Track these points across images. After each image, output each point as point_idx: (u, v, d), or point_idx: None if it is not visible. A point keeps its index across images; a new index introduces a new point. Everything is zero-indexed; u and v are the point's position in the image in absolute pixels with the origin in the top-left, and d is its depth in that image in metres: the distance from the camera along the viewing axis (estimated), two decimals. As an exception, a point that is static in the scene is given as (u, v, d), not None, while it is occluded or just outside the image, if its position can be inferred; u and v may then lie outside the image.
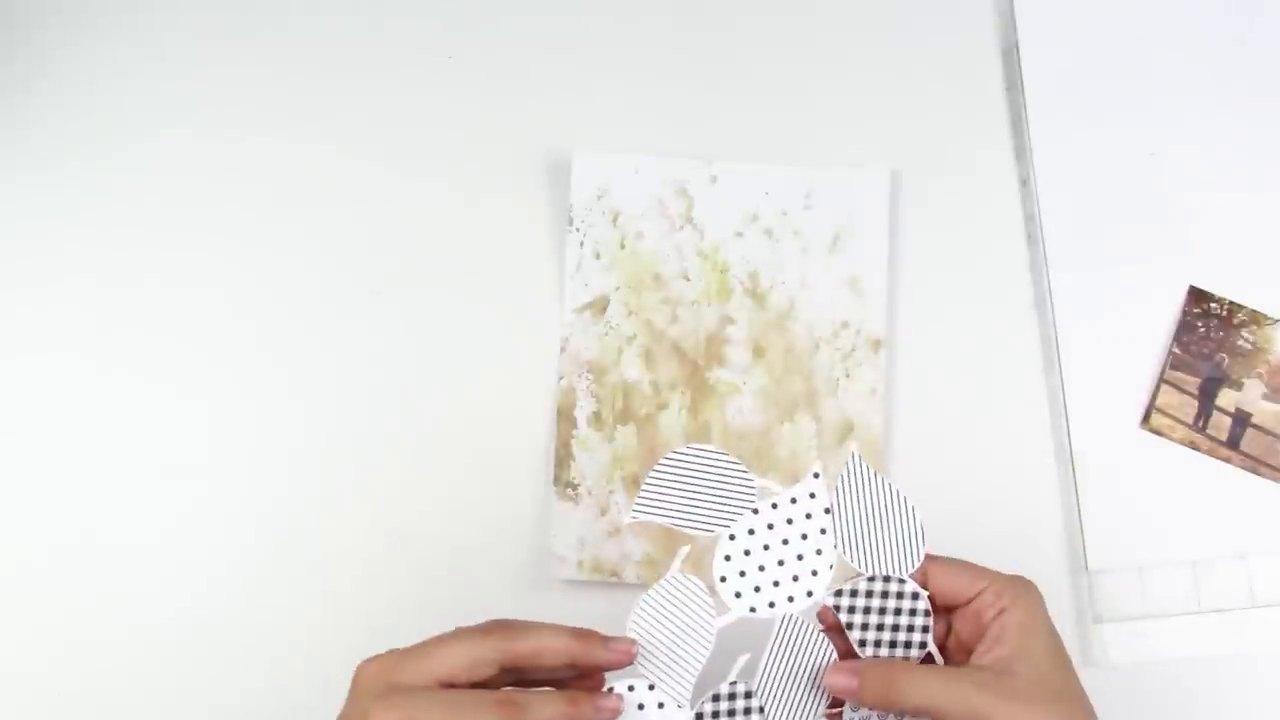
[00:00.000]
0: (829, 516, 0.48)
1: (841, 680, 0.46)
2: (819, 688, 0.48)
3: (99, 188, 0.64)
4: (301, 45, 0.65)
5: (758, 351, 0.61)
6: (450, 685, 0.43)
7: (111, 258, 0.63)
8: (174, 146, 0.64)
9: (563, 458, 0.60)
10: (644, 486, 0.48)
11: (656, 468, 0.48)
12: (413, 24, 0.65)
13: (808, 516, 0.49)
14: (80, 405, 0.62)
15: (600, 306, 0.61)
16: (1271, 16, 0.63)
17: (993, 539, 0.57)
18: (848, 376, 0.60)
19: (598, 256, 0.62)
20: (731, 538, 0.48)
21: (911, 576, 0.48)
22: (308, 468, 0.61)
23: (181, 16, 0.66)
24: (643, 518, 0.48)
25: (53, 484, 0.61)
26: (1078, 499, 0.59)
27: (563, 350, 0.61)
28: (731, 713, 0.47)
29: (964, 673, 0.45)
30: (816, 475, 0.49)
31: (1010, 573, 0.47)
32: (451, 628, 0.46)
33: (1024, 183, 0.63)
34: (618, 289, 0.62)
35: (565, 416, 0.60)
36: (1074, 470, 0.59)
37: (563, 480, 0.60)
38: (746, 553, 0.48)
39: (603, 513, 0.60)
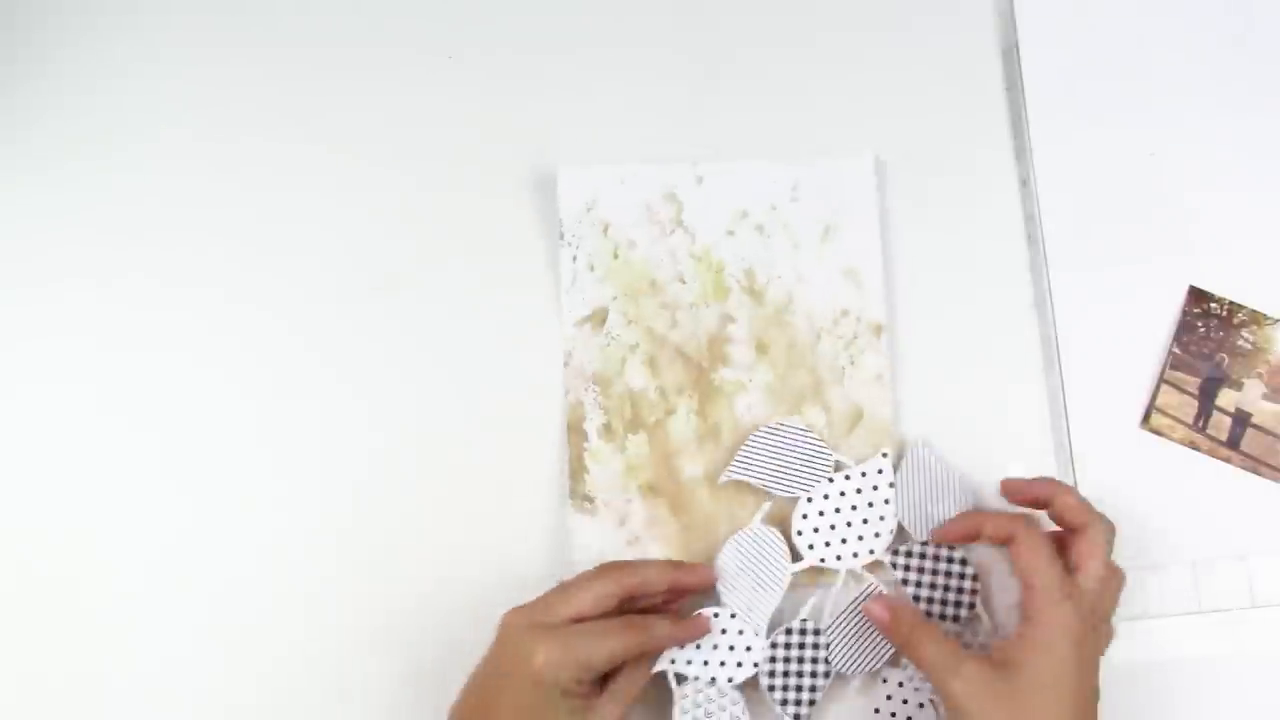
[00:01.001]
0: (893, 490, 0.58)
1: (877, 611, 0.54)
2: (879, 637, 0.57)
3: (99, 188, 0.64)
4: (298, 50, 0.65)
5: (760, 348, 0.61)
6: (581, 620, 0.52)
7: (112, 258, 0.63)
8: (173, 147, 0.64)
9: (577, 471, 0.60)
10: (739, 453, 0.59)
11: (750, 439, 0.59)
12: (410, 28, 0.65)
13: (875, 488, 0.58)
14: (79, 405, 0.62)
15: (599, 318, 0.61)
16: (1271, 16, 0.63)
17: (992, 539, 0.57)
18: (852, 364, 0.60)
19: (592, 268, 0.62)
20: (809, 500, 0.58)
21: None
22: (320, 496, 0.61)
23: (180, 17, 0.66)
24: (736, 477, 0.59)
25: (51, 484, 0.61)
26: (1078, 499, 0.59)
27: (566, 364, 0.61)
28: (802, 645, 0.57)
29: (965, 659, 0.50)
30: (885, 455, 0.59)
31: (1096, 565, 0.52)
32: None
33: (1024, 183, 0.63)
34: (615, 299, 0.61)
35: (575, 430, 0.60)
36: (1074, 470, 0.59)
37: (579, 494, 0.60)
38: (821, 513, 0.58)
39: (621, 523, 0.60)
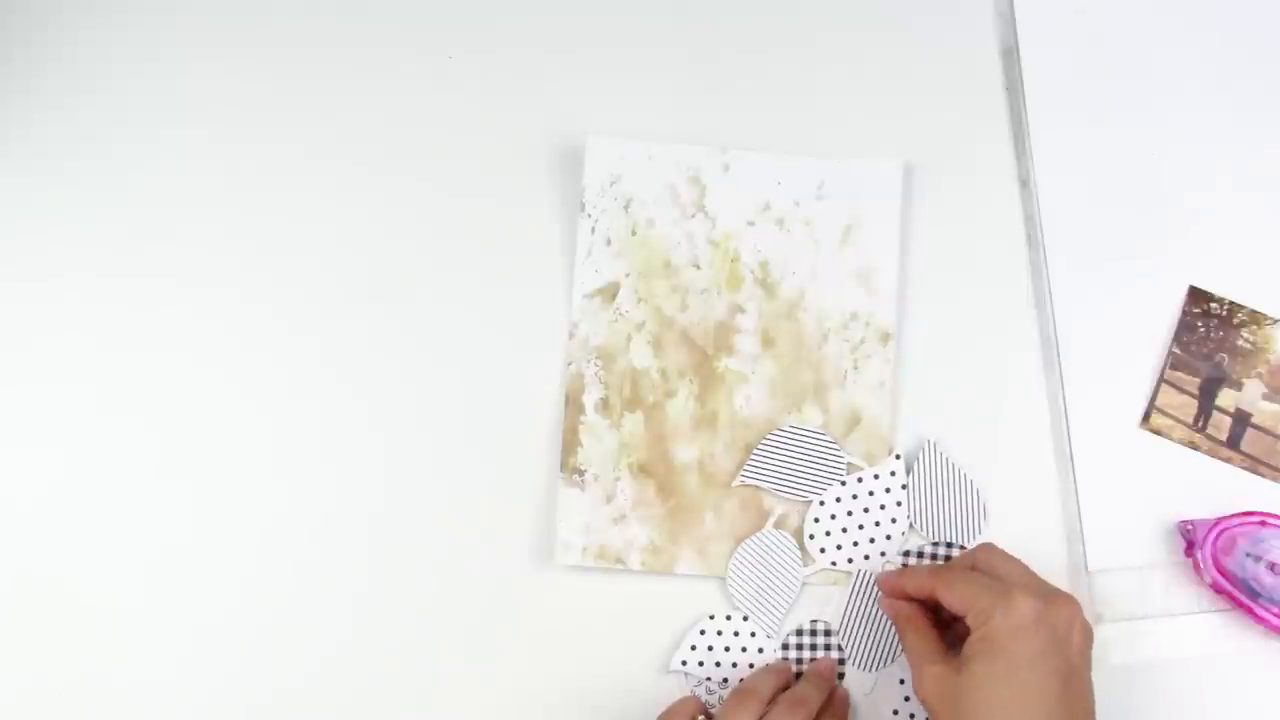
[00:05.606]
0: (905, 491, 0.58)
1: (886, 604, 0.55)
2: (891, 635, 0.57)
3: (99, 187, 0.64)
4: (299, 49, 0.65)
5: (767, 341, 0.61)
6: None
7: (112, 257, 0.63)
8: (173, 147, 0.64)
9: (570, 443, 0.60)
10: (751, 457, 0.59)
11: (761, 444, 0.59)
12: (429, 7, 0.65)
13: (886, 490, 0.59)
14: (79, 405, 0.62)
15: (610, 292, 0.61)
16: (1271, 16, 0.63)
17: (992, 539, 0.57)
18: (856, 369, 0.60)
19: (609, 242, 0.62)
20: (821, 503, 0.59)
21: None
22: (316, 451, 0.61)
23: (183, 16, 0.66)
24: (749, 482, 0.59)
25: (51, 484, 0.61)
26: (1078, 499, 0.59)
27: (571, 336, 0.61)
28: (814, 646, 0.57)
29: (933, 658, 0.52)
30: (898, 457, 0.59)
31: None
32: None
33: (1024, 183, 0.63)
34: (628, 275, 0.62)
35: (573, 402, 0.60)
36: (1074, 470, 0.59)
37: (569, 466, 0.60)
38: (833, 516, 0.58)
39: (608, 499, 0.59)
